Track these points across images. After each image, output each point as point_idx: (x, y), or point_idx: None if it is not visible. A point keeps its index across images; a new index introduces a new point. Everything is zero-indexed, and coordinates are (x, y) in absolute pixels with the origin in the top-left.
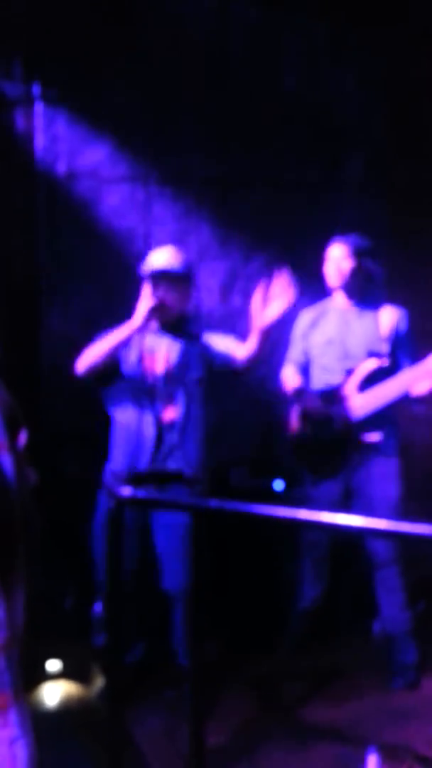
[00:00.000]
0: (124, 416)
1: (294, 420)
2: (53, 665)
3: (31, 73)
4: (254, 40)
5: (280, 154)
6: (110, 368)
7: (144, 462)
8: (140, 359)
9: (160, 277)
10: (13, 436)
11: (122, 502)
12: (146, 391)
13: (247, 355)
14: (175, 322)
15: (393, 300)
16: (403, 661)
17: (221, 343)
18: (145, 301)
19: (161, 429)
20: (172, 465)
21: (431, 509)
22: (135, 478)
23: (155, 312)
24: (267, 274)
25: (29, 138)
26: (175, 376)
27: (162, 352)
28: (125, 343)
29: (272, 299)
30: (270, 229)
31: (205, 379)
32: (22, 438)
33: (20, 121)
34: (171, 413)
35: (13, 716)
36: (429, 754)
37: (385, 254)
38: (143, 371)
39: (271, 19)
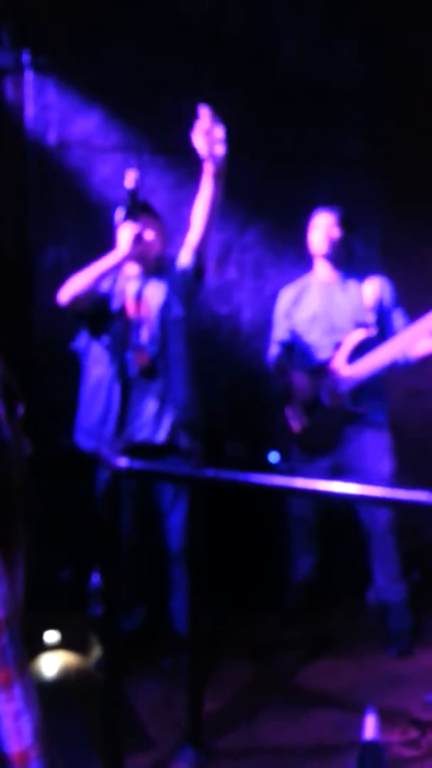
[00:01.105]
0: (100, 368)
1: (293, 419)
2: (51, 636)
3: (20, 41)
4: (251, 10)
5: (277, 126)
6: (94, 304)
7: (130, 422)
8: (123, 305)
9: (140, 208)
10: (10, 409)
11: (119, 473)
12: (127, 338)
13: (197, 232)
14: (155, 265)
15: (390, 274)
16: (397, 629)
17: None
18: (128, 229)
19: (140, 377)
20: (165, 414)
21: (426, 482)
22: (131, 449)
23: (138, 243)
24: (262, 245)
25: (19, 107)
26: (157, 317)
27: (144, 297)
28: (110, 272)
29: (209, 139)
30: (266, 201)
31: (186, 317)
32: (19, 410)
33: (10, 90)
34: (149, 360)
35: (17, 690)
36: (422, 718)
37: (384, 227)
38: (126, 316)
39: None
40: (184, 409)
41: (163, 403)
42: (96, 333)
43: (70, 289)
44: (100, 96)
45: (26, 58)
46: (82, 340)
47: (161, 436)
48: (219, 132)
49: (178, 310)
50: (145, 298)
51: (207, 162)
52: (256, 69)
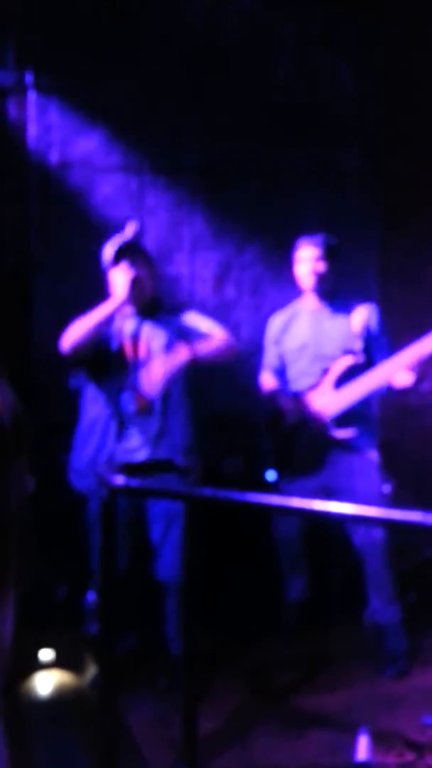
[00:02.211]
0: (97, 407)
1: (278, 442)
2: (46, 654)
3: (23, 61)
4: (248, 29)
5: (273, 144)
6: (95, 350)
7: (121, 451)
8: (120, 345)
9: (133, 251)
10: (17, 444)
11: (115, 491)
12: (124, 379)
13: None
14: (149, 305)
15: (387, 291)
16: (393, 651)
17: (202, 324)
18: (124, 274)
19: (138, 416)
20: (160, 452)
21: (423, 500)
22: (127, 468)
23: (134, 287)
24: (260, 263)
25: (22, 127)
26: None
27: (143, 338)
28: (109, 319)
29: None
30: (263, 220)
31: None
32: (26, 446)
33: (13, 110)
34: (145, 398)
35: None
36: (418, 740)
37: (380, 244)
38: (124, 357)
39: (265, 8)
40: (180, 448)
41: (158, 440)
42: (94, 373)
43: (70, 338)
44: (101, 116)
45: (29, 78)
46: (79, 379)
47: (154, 455)
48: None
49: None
50: (144, 339)
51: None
52: (252, 88)
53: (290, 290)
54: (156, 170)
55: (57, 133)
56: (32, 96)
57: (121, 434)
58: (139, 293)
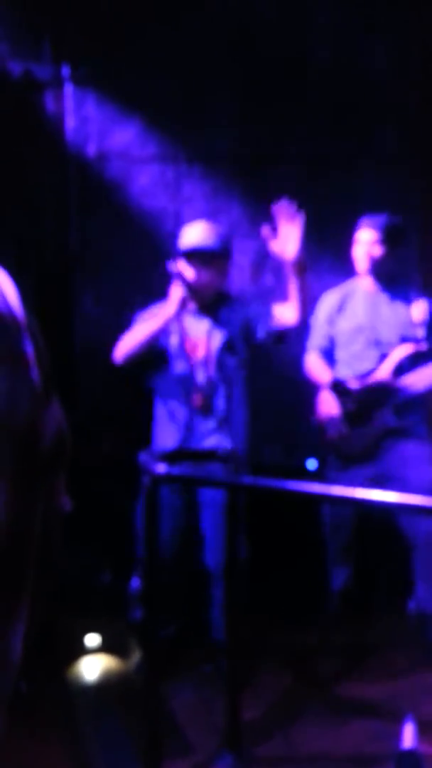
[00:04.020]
0: (165, 405)
1: (332, 427)
2: (92, 639)
3: (59, 54)
4: (284, 11)
5: (311, 127)
6: (152, 354)
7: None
8: (182, 344)
9: (194, 255)
10: (56, 464)
11: (157, 480)
12: (186, 378)
13: (295, 311)
14: (213, 302)
15: (427, 276)
16: None
17: (276, 310)
18: (177, 288)
19: (198, 415)
20: (223, 444)
21: None
22: (170, 456)
23: (189, 295)
24: (299, 250)
25: (59, 120)
26: (216, 361)
27: (202, 337)
28: (162, 331)
29: (284, 231)
30: (302, 205)
31: (247, 360)
32: (65, 466)
33: (50, 103)
34: (206, 399)
35: None
36: None
37: (419, 229)
38: (185, 357)
39: None
40: (241, 440)
41: (219, 432)
42: (155, 371)
43: (123, 349)
44: (137, 107)
45: (66, 71)
46: (149, 379)
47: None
48: (295, 229)
49: (238, 353)
50: (204, 337)
51: (285, 264)
52: (289, 70)
53: (329, 277)
54: (192, 159)
55: (94, 125)
56: (69, 89)
57: (185, 428)
58: (198, 296)
